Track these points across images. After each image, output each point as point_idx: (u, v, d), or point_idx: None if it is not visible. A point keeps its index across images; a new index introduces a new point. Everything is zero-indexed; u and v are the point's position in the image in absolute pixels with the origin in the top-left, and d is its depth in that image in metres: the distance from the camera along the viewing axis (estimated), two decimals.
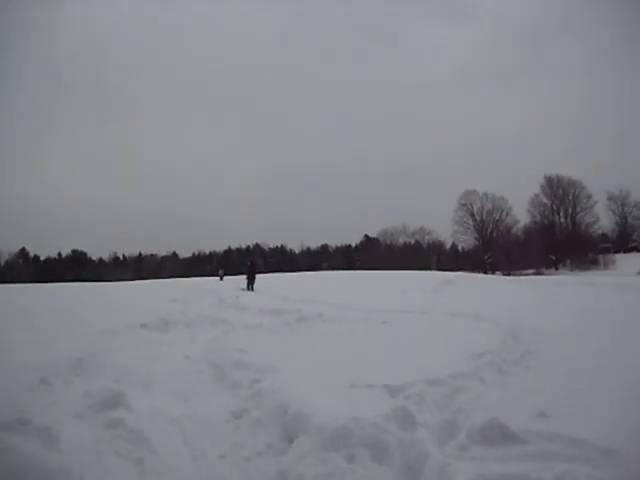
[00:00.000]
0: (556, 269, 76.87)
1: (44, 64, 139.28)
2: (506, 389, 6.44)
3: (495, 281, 30.42)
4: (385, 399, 6.08)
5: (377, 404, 5.75)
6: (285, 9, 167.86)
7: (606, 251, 78.44)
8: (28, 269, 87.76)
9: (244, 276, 28.58)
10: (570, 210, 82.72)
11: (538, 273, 64.38)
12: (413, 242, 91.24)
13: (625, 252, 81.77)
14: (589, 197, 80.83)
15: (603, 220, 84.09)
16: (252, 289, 26.58)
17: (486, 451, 4.49)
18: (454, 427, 5.16)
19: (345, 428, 4.98)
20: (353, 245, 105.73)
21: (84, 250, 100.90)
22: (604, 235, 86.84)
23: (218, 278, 40.90)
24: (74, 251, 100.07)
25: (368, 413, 5.30)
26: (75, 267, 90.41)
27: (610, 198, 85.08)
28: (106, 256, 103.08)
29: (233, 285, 28.62)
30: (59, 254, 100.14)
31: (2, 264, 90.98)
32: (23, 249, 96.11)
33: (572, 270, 72.37)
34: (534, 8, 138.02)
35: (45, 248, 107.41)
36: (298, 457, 4.79)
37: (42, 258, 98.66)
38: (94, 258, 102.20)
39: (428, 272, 40.37)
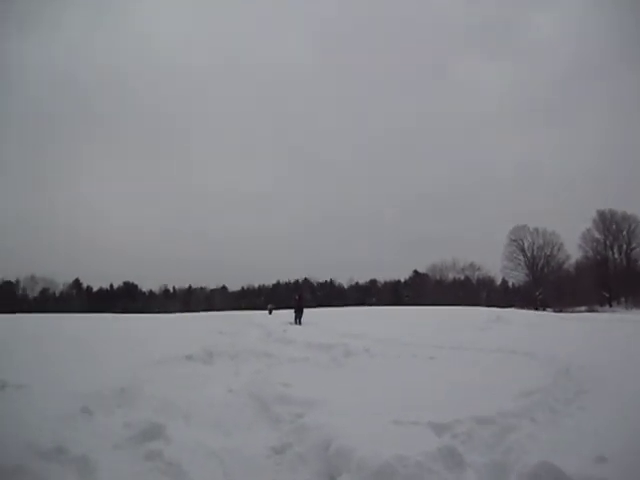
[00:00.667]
0: (610, 306, 74.89)
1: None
2: (559, 430, 6.16)
3: (545, 318, 29.79)
4: (431, 437, 5.87)
5: (422, 442, 5.54)
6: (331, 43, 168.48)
7: None
8: (81, 299, 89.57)
9: (292, 310, 28.57)
10: (624, 245, 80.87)
11: (591, 310, 62.76)
12: (463, 278, 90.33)
13: None
14: None
15: None
16: (300, 323, 26.55)
17: None
18: (503, 469, 4.92)
19: (388, 466, 4.79)
20: (402, 280, 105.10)
21: (135, 282, 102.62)
22: None
23: (267, 312, 40.55)
24: (125, 283, 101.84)
25: (412, 451, 5.10)
26: (126, 298, 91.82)
27: None
28: (156, 288, 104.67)
29: (281, 319, 28.64)
30: (111, 285, 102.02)
31: (57, 294, 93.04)
32: (77, 280, 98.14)
33: (627, 308, 70.39)
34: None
35: (98, 279, 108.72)
36: None
37: (95, 289, 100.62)
38: (144, 290, 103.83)
39: (477, 308, 39.70)
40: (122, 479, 4.63)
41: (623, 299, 76.78)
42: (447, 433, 6.02)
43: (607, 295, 78.42)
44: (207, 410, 7.53)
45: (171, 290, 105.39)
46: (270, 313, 38.94)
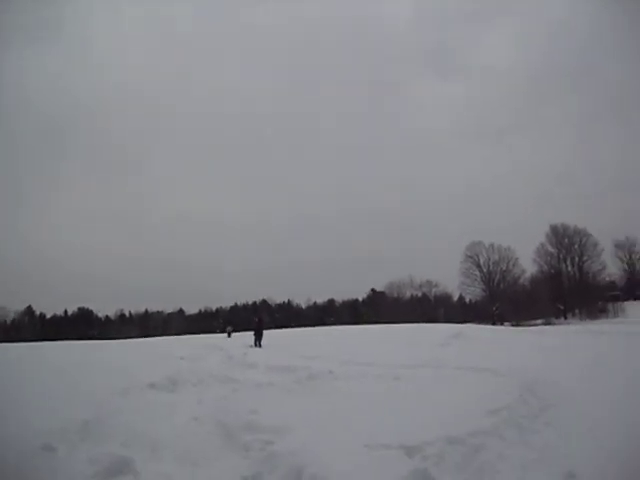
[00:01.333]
0: (565, 318, 76.25)
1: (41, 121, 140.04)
2: (528, 447, 6.22)
3: (504, 332, 30.16)
4: (402, 460, 5.86)
5: (394, 466, 5.54)
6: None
7: (615, 299, 77.88)
8: (34, 327, 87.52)
9: (251, 332, 28.42)
10: (577, 258, 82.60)
11: (547, 323, 63.84)
12: (420, 295, 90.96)
13: (635, 299, 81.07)
14: (595, 245, 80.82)
15: (611, 268, 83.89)
16: (260, 345, 26.42)
17: None
18: None
19: None
20: (360, 299, 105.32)
21: (90, 307, 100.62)
22: (612, 283, 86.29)
23: (226, 335, 40.63)
24: (80, 308, 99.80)
25: (386, 476, 5.09)
26: (81, 325, 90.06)
27: (617, 245, 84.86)
28: (112, 313, 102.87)
29: (241, 341, 28.43)
30: (65, 312, 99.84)
31: (8, 322, 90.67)
32: (29, 307, 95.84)
33: (581, 319, 71.67)
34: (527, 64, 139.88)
35: (51, 306, 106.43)
36: None
37: (48, 316, 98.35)
38: (100, 315, 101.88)
39: (436, 325, 39.99)
40: None
41: (577, 311, 78.24)
42: (418, 455, 6.02)
43: (562, 307, 79.83)
44: (174, 441, 7.35)
45: (127, 315, 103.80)
46: (229, 336, 39.03)
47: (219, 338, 35.49)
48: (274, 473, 5.94)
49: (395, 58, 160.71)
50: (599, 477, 4.80)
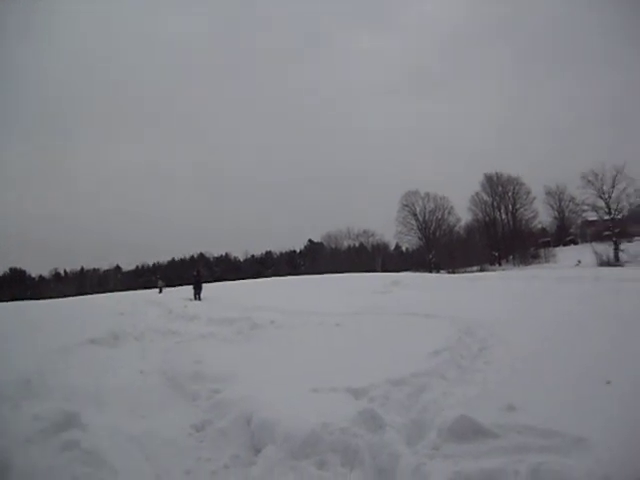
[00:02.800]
0: (499, 265, 77.98)
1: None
2: (469, 385, 6.43)
3: (441, 279, 30.75)
4: (350, 402, 6.00)
5: (342, 408, 5.65)
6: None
7: (546, 245, 79.96)
8: None
9: (188, 287, 28.22)
10: (510, 206, 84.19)
11: (482, 269, 65.14)
12: (357, 245, 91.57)
13: (564, 245, 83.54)
14: (528, 193, 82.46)
15: (542, 215, 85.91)
16: (200, 298, 26.28)
17: (459, 448, 4.43)
18: (423, 426, 5.08)
19: (314, 434, 4.86)
20: (297, 250, 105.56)
21: (22, 267, 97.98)
22: (544, 229, 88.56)
23: (157, 290, 38.35)
24: (12, 269, 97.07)
25: (335, 417, 5.19)
26: (13, 285, 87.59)
27: (548, 193, 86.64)
28: (46, 272, 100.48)
29: (178, 296, 28.18)
30: None
31: None
32: None
33: (515, 265, 73.50)
34: (457, 15, 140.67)
35: None
36: (267, 467, 4.67)
37: None
38: (34, 275, 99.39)
39: (374, 274, 40.43)
40: (40, 474, 4.45)
41: (511, 257, 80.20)
42: (364, 397, 6.18)
43: (496, 254, 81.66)
44: (120, 394, 7.29)
45: (62, 273, 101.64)
46: (160, 292, 36.79)
47: (154, 293, 34.55)
48: (223, 419, 5.99)
49: (328, 12, 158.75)
50: (536, 408, 5.01)
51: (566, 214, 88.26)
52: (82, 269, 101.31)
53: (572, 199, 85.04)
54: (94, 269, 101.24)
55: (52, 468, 4.63)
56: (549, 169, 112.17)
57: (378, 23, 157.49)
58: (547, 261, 71.86)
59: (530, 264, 70.55)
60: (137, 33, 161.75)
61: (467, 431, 4.57)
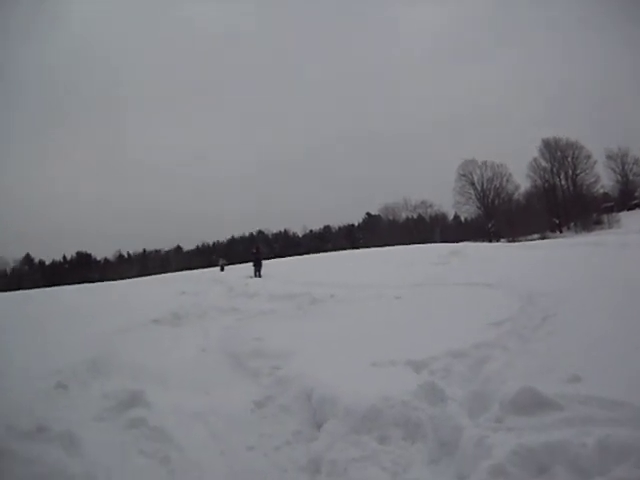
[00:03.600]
0: (560, 232, 76.26)
1: (42, 69, 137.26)
2: (532, 356, 6.28)
3: (501, 248, 30.24)
4: (410, 375, 5.96)
5: (403, 381, 5.62)
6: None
7: (609, 210, 77.65)
8: (34, 274, 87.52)
9: (248, 264, 28.40)
10: (570, 172, 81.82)
11: (543, 237, 63.67)
12: (416, 216, 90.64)
13: (628, 210, 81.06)
14: (588, 157, 79.91)
15: (604, 179, 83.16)
16: (260, 275, 26.40)
17: (522, 420, 4.33)
18: (485, 398, 4.99)
19: (374, 408, 4.85)
20: (356, 224, 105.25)
21: (88, 251, 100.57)
22: (606, 194, 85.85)
23: (218, 269, 37.74)
24: (78, 253, 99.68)
25: (396, 391, 5.17)
26: (81, 268, 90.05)
27: (609, 156, 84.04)
28: (110, 255, 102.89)
29: (239, 274, 28.43)
30: (64, 257, 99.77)
31: (8, 272, 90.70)
32: (27, 255, 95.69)
33: (577, 232, 71.61)
34: None
35: (50, 252, 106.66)
36: (329, 442, 4.68)
37: (47, 262, 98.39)
38: (99, 258, 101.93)
39: (433, 245, 40.01)
40: (109, 451, 4.58)
41: (572, 224, 78.37)
42: (425, 370, 6.13)
43: (557, 221, 79.92)
44: (183, 372, 7.48)
45: (126, 255, 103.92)
46: (222, 270, 36.47)
47: (216, 272, 34.85)
48: (284, 396, 6.05)
49: None
50: (603, 379, 4.87)
51: (630, 177, 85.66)
52: (144, 251, 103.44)
53: (636, 161, 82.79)
54: (156, 250, 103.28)
55: (121, 444, 4.77)
56: (610, 131, 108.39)
57: None
58: (611, 227, 69.83)
59: (593, 230, 68.56)
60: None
61: (530, 403, 4.48)
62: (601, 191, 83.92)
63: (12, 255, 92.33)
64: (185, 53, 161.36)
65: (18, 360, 7.37)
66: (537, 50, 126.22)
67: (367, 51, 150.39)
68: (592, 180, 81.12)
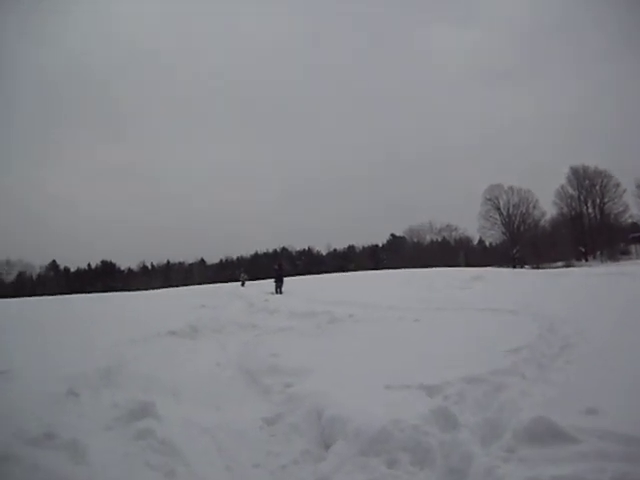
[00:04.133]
0: (586, 260, 75.51)
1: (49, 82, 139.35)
2: (549, 385, 6.18)
3: (524, 275, 29.97)
4: (423, 399, 5.86)
5: (415, 405, 5.53)
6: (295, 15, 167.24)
7: (637, 241, 76.76)
8: (59, 281, 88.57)
9: (270, 280, 28.38)
10: (598, 200, 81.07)
11: (568, 265, 63.13)
12: (440, 239, 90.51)
13: None
14: (617, 186, 78.98)
15: (633, 209, 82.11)
16: (281, 292, 26.42)
17: (535, 451, 4.24)
18: (498, 427, 4.89)
19: (384, 431, 4.77)
20: (380, 245, 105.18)
21: (113, 261, 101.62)
22: (634, 224, 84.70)
23: (239, 283, 36.57)
24: (103, 262, 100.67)
25: (407, 415, 5.08)
26: (104, 277, 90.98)
27: (639, 186, 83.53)
28: (135, 265, 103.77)
29: (259, 289, 28.46)
30: (89, 265, 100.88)
31: (34, 277, 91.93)
32: (54, 261, 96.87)
33: (602, 261, 70.98)
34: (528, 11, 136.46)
35: (75, 260, 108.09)
36: (337, 464, 4.61)
37: (72, 270, 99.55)
38: (123, 268, 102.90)
39: (456, 269, 39.82)
40: (115, 461, 4.54)
41: (598, 253, 77.57)
42: (439, 395, 6.02)
43: (583, 250, 79.13)
44: (195, 385, 7.47)
45: (149, 267, 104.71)
46: (243, 285, 35.75)
47: (237, 287, 34.52)
48: (294, 414, 6.00)
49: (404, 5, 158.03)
50: (620, 414, 4.75)
51: None
52: (168, 262, 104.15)
53: None
54: (179, 262, 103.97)
55: (127, 455, 4.74)
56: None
57: (455, 15, 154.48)
58: (639, 257, 69.12)
59: (619, 260, 67.81)
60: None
61: (544, 434, 4.38)
62: (629, 221, 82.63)
63: (39, 262, 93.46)
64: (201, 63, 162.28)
65: (31, 365, 7.39)
66: (568, 75, 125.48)
67: (396, 72, 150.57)
68: (620, 209, 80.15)
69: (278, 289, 26.98)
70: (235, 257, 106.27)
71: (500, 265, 63.83)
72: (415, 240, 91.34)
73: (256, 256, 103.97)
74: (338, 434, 5.11)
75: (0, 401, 5.61)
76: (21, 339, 10.09)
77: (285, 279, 28.39)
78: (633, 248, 73.71)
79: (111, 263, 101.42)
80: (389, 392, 6.20)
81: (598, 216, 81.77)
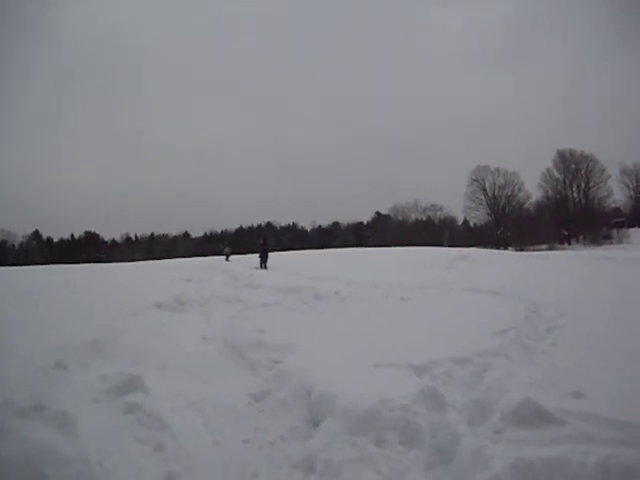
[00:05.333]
0: (569, 244, 75.94)
1: (51, 53, 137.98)
2: (535, 367, 6.22)
3: (509, 257, 30.08)
4: (411, 379, 5.89)
5: (404, 384, 5.56)
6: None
7: (620, 225, 77.30)
8: (42, 251, 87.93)
9: (254, 255, 28.21)
10: (583, 184, 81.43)
11: (551, 248, 63.37)
12: (425, 218, 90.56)
13: (639, 226, 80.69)
14: (602, 171, 79.36)
15: (617, 194, 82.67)
16: (265, 267, 26.31)
17: (522, 433, 4.27)
18: (485, 407, 4.92)
19: (373, 410, 4.79)
20: (365, 222, 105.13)
21: (97, 231, 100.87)
22: (617, 209, 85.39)
23: (224, 258, 34.85)
24: (87, 232, 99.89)
25: (396, 394, 5.10)
26: (88, 248, 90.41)
27: (624, 172, 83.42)
28: (118, 237, 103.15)
29: (244, 264, 28.34)
30: (72, 236, 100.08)
31: (17, 246, 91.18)
32: (36, 231, 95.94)
33: (585, 245, 71.40)
34: None
35: (58, 231, 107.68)
36: (325, 441, 4.63)
37: (55, 240, 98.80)
38: (106, 239, 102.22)
39: (442, 248, 39.88)
40: (103, 434, 4.55)
41: (582, 237, 78.05)
42: (427, 374, 6.05)
43: (566, 233, 79.57)
44: (183, 359, 7.46)
45: (133, 238, 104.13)
46: (227, 259, 34.27)
47: (221, 261, 34.20)
48: (283, 390, 6.02)
49: None
50: (607, 396, 4.79)
51: None
52: (152, 234, 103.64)
53: None
54: (164, 235, 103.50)
55: (116, 428, 4.75)
56: (627, 147, 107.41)
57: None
58: (620, 242, 69.58)
59: (601, 244, 68.28)
60: None
61: (531, 415, 4.41)
62: (612, 206, 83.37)
63: (21, 231, 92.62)
64: (205, 44, 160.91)
65: (19, 336, 7.33)
66: (556, 61, 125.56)
67: (384, 51, 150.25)
68: (604, 194, 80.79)
69: (263, 264, 26.83)
70: (219, 231, 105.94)
71: (484, 246, 64.09)
72: (400, 219, 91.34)
73: (241, 230, 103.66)
74: (326, 412, 5.13)
75: None
76: (9, 310, 9.99)
77: (270, 254, 28.28)
78: (615, 233, 74.25)
79: (94, 234, 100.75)
80: (377, 370, 6.22)
81: (583, 200, 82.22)
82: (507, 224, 78.79)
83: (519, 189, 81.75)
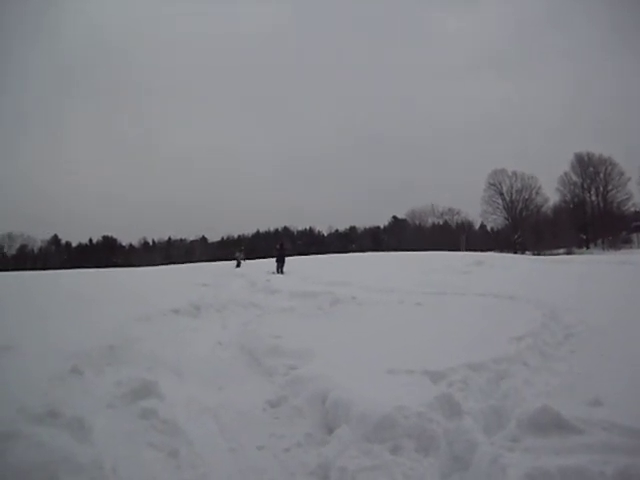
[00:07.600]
0: (587, 248, 75.43)
1: (53, 57, 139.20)
2: (553, 374, 6.18)
3: (526, 261, 29.90)
4: (427, 386, 5.84)
5: (419, 391, 5.51)
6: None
7: (639, 229, 76.86)
8: (60, 255, 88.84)
9: (269, 260, 28.25)
10: (601, 188, 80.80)
11: (569, 253, 63.02)
12: (442, 223, 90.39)
13: None
14: (621, 174, 78.66)
15: (637, 197, 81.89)
16: (282, 272, 26.32)
17: (539, 441, 4.22)
18: (502, 415, 4.90)
19: (389, 417, 4.75)
20: (381, 227, 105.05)
21: (114, 236, 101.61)
22: (637, 213, 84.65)
23: (234, 263, 33.52)
24: (105, 237, 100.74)
25: (411, 401, 5.06)
26: (106, 252, 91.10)
27: None
28: (136, 242, 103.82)
29: (260, 269, 28.34)
30: (90, 240, 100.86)
31: (36, 251, 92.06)
32: (55, 236, 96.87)
33: (604, 249, 70.95)
34: None
35: (76, 235, 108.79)
36: (340, 448, 4.59)
37: (74, 244, 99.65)
38: (124, 244, 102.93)
39: (458, 253, 39.76)
40: (118, 440, 4.55)
41: (600, 241, 77.45)
42: (443, 381, 6.00)
43: (584, 237, 79.02)
44: (198, 365, 7.47)
45: (150, 243, 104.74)
46: (238, 265, 32.84)
47: (231, 266, 33.18)
48: (299, 396, 5.99)
49: None
50: (626, 405, 4.74)
51: None
52: (169, 239, 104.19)
53: None
54: (181, 239, 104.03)
55: (131, 434, 4.75)
56: None
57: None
58: None
59: (620, 249, 67.70)
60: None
61: (549, 424, 4.37)
62: (632, 209, 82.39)
63: (40, 235, 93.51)
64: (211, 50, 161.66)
65: (34, 341, 7.35)
66: (576, 67, 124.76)
67: (401, 52, 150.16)
68: (624, 197, 79.93)
69: (279, 269, 26.87)
70: (236, 235, 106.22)
71: (501, 250, 63.81)
72: (417, 223, 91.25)
73: (257, 235, 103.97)
74: (342, 419, 5.10)
75: (3, 378, 5.59)
76: (27, 314, 10.06)
77: (287, 259, 28.30)
78: (635, 237, 73.57)
79: (112, 238, 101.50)
80: (392, 377, 6.18)
81: (601, 204, 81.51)
82: (524, 228, 78.34)
83: (537, 193, 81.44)
